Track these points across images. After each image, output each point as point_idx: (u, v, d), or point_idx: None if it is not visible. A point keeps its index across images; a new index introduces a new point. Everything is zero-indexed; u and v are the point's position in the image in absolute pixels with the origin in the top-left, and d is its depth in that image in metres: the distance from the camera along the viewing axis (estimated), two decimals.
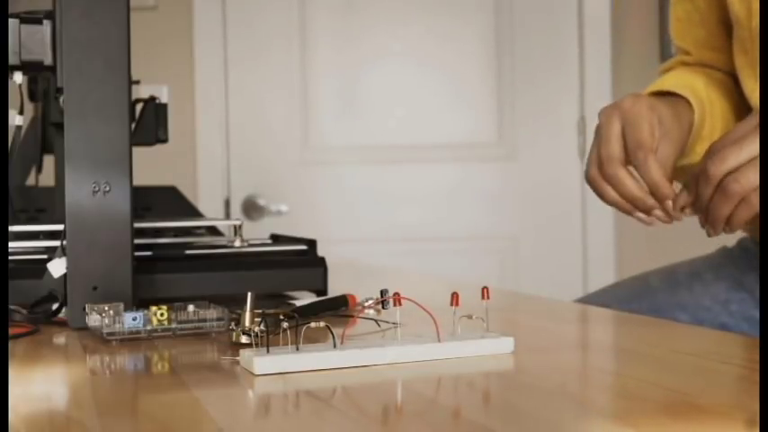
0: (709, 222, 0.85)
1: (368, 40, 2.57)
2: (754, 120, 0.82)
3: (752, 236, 1.13)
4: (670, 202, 0.88)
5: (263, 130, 2.55)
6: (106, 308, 0.73)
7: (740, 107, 1.07)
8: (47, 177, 1.21)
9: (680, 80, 1.04)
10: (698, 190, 0.84)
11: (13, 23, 0.80)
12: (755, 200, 0.80)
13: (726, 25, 1.09)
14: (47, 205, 1.16)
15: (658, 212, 0.90)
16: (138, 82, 1.10)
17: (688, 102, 0.99)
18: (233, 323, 0.73)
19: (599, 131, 0.92)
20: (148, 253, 0.95)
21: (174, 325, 0.74)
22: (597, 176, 0.92)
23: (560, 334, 0.81)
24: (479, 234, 2.60)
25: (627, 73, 2.58)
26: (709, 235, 0.87)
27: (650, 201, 0.89)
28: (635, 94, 0.93)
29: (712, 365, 0.64)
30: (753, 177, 0.79)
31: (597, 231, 2.61)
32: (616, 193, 0.91)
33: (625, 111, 0.91)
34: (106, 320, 0.73)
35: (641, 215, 0.91)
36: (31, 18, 0.81)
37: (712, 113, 1.03)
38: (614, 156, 0.90)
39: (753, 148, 0.79)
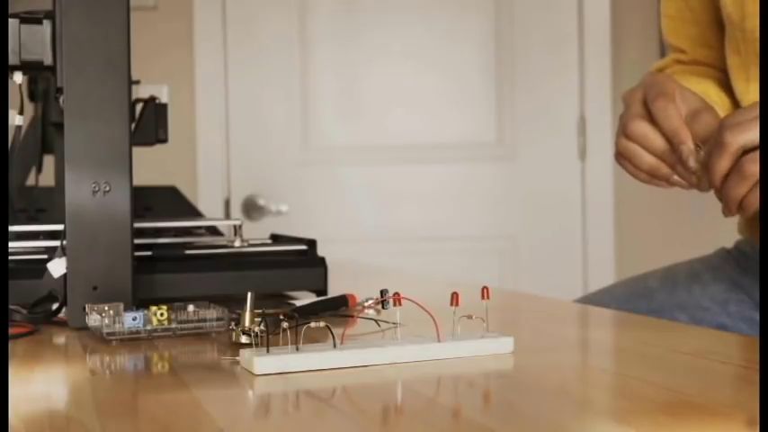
0: (724, 202, 0.82)
1: (368, 41, 2.57)
2: None
3: (748, 237, 1.13)
4: (688, 155, 0.83)
5: (262, 130, 2.55)
6: (106, 308, 0.73)
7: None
8: (47, 177, 1.21)
9: (692, 88, 1.02)
10: (711, 161, 0.80)
11: (13, 23, 0.80)
12: None
13: (719, 24, 1.08)
14: (47, 205, 1.16)
15: (676, 178, 0.86)
16: (138, 82, 1.10)
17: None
18: (233, 323, 0.73)
19: (624, 108, 0.90)
20: (148, 253, 0.95)
21: (174, 325, 0.74)
22: (623, 142, 0.89)
23: (560, 334, 0.82)
24: (479, 234, 2.60)
25: (627, 73, 2.58)
26: (725, 215, 0.84)
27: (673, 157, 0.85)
28: (656, 71, 0.91)
29: (712, 365, 0.64)
30: None
31: (597, 231, 2.61)
32: (645, 153, 0.87)
33: (646, 81, 0.89)
34: (106, 320, 0.73)
35: (677, 178, 0.87)
36: (31, 18, 0.81)
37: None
38: (636, 113, 0.87)
39: None
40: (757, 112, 0.79)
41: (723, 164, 0.79)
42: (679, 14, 1.13)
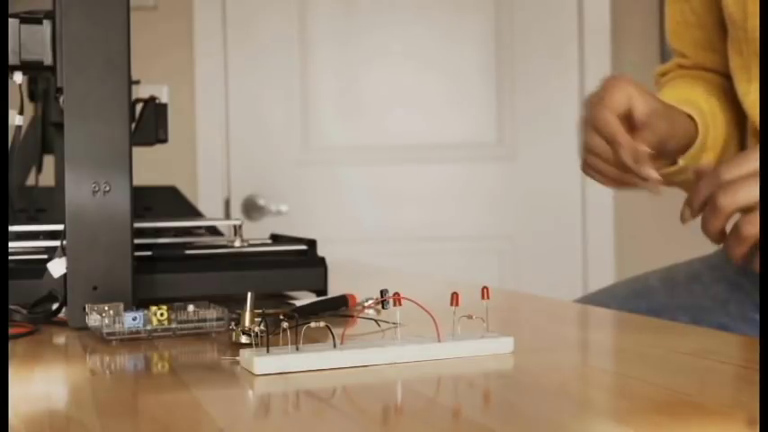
0: (728, 257, 0.84)
1: (368, 41, 2.57)
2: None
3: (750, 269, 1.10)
4: (626, 157, 0.85)
5: (262, 130, 2.55)
6: (106, 308, 0.73)
7: (741, 113, 1.07)
8: (47, 177, 1.21)
9: (680, 94, 1.03)
10: (706, 221, 0.81)
11: (13, 23, 0.80)
12: None
13: (723, 27, 1.08)
14: (47, 205, 1.16)
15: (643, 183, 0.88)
16: (138, 82, 1.10)
17: (689, 116, 0.99)
18: (233, 323, 0.73)
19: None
20: (148, 253, 0.95)
21: (174, 325, 0.74)
22: (584, 155, 0.92)
23: (560, 334, 0.82)
24: (479, 234, 2.60)
25: (627, 73, 2.58)
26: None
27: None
28: (618, 74, 0.94)
29: (712, 365, 0.64)
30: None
31: (597, 231, 2.61)
32: (606, 164, 0.89)
33: (603, 84, 0.92)
34: (106, 320, 0.73)
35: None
36: (31, 18, 0.81)
37: (715, 124, 1.02)
38: (596, 102, 0.90)
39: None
40: (752, 165, 0.78)
41: (717, 225, 0.80)
42: (683, 18, 1.13)
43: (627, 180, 0.91)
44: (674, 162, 0.99)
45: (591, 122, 0.90)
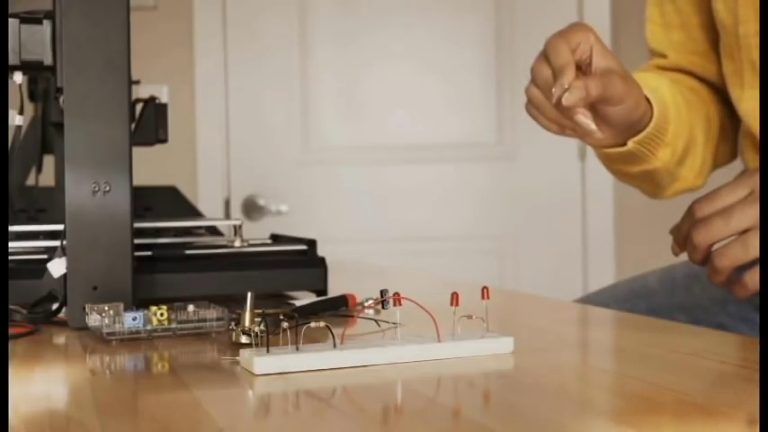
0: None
1: (368, 41, 2.57)
2: (740, 189, 0.83)
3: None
4: (559, 91, 0.82)
5: (262, 131, 2.55)
6: (106, 308, 0.73)
7: (709, 118, 1.06)
8: (47, 177, 1.21)
9: (643, 80, 1.00)
10: (688, 252, 0.87)
11: (13, 23, 0.80)
12: (748, 279, 0.83)
13: (707, 30, 1.06)
14: (47, 205, 1.16)
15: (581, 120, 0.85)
16: (138, 82, 1.10)
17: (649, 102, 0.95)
18: (233, 323, 0.73)
19: None
20: (148, 253, 0.95)
21: (174, 325, 0.74)
22: (530, 88, 0.89)
23: (560, 334, 0.82)
24: (479, 234, 2.60)
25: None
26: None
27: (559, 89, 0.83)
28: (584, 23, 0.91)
29: (712, 365, 0.64)
30: (739, 253, 0.82)
31: (597, 231, 2.61)
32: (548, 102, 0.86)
33: (569, 25, 0.88)
34: (106, 320, 0.73)
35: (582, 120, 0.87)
36: (31, 18, 0.81)
37: (679, 120, 1.00)
38: (540, 55, 0.87)
39: (739, 221, 0.82)
40: (723, 201, 0.83)
41: (698, 258, 0.86)
42: (663, 20, 1.11)
43: (564, 124, 0.90)
44: (624, 144, 0.96)
45: (544, 52, 0.85)
